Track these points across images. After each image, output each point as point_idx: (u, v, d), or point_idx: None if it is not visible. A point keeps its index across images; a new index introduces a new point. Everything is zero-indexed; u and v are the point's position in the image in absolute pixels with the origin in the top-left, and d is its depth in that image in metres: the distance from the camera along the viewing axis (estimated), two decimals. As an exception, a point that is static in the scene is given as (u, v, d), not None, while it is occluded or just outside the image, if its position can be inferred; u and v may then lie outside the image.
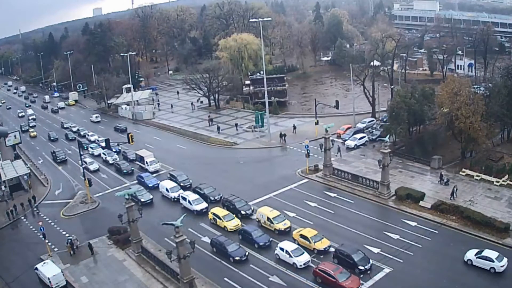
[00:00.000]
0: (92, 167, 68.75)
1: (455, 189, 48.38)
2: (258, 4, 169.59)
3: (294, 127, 77.57)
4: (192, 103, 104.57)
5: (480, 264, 36.91)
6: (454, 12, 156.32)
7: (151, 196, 55.63)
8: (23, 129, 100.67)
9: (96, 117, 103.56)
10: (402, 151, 63.06)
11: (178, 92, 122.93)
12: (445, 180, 51.42)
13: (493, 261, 36.32)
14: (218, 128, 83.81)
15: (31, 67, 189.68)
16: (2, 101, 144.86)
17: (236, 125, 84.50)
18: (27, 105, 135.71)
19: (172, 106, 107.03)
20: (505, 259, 36.55)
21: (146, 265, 42.05)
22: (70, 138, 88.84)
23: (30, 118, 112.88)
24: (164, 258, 38.95)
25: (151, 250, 43.05)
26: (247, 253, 41.55)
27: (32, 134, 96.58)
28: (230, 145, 75.15)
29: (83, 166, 63.92)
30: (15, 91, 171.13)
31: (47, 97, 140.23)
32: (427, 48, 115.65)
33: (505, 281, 35.74)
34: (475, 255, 37.40)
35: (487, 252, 37.21)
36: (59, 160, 75.05)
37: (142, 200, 54.47)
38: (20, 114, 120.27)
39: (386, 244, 41.43)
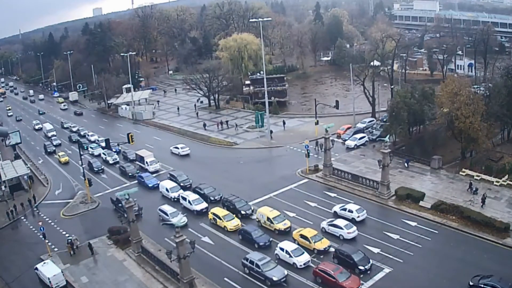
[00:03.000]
0: (174, 220, 43.32)
1: (485, 197, 46.73)
2: (258, 4, 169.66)
3: (284, 123, 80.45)
4: (195, 105, 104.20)
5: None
6: (454, 12, 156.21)
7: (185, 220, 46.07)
8: (48, 149, 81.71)
9: (64, 105, 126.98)
10: (402, 151, 63.06)
11: (175, 90, 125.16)
12: (474, 189, 49.20)
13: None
14: (205, 125, 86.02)
15: (31, 67, 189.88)
16: (8, 107, 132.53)
17: (227, 122, 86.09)
18: (40, 112, 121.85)
19: (178, 108, 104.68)
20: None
21: (146, 265, 42.04)
22: (74, 140, 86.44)
23: (50, 134, 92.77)
24: (164, 258, 38.94)
25: (151, 250, 43.03)
26: None
27: (62, 159, 74.47)
28: (230, 145, 75.16)
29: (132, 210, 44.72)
30: (2, 85, 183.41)
31: (31, 91, 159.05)
32: (427, 48, 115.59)
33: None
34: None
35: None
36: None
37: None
38: (36, 127, 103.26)
39: (386, 244, 41.43)
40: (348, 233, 42.50)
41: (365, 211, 46.48)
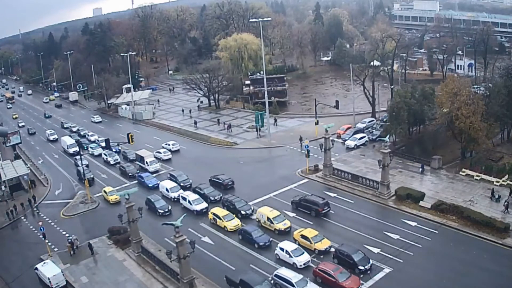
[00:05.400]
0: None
1: (508, 203, 45.25)
2: (258, 4, 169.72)
3: (275, 120, 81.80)
4: (198, 106, 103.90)
5: None
6: (454, 12, 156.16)
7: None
8: (85, 177, 60.65)
9: (46, 99, 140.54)
10: (402, 151, 63.05)
11: (173, 88, 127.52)
12: (497, 197, 47.23)
13: None
14: (195, 122, 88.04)
15: (31, 67, 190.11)
16: (14, 115, 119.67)
17: (218, 120, 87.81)
18: (46, 116, 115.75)
19: (183, 110, 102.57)
20: None
21: (146, 265, 42.04)
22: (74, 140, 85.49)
23: (72, 150, 76.90)
24: (164, 258, 38.96)
25: (151, 250, 43.04)
26: None
27: (111, 198, 55.80)
28: (230, 145, 75.15)
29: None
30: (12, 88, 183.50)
31: (21, 87, 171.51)
32: (427, 48, 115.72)
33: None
34: None
35: None
36: None
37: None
38: (51, 138, 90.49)
39: (386, 244, 41.40)
40: (164, 156, 69.75)
41: (178, 144, 74.86)
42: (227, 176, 57.37)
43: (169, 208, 51.90)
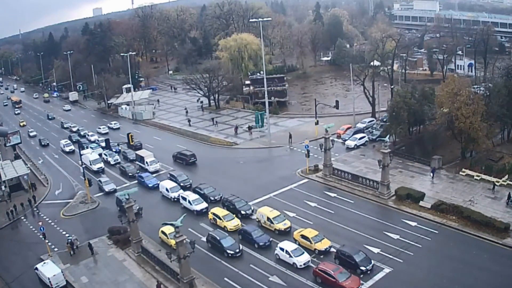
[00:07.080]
0: None
1: None
2: (258, 4, 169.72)
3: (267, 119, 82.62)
4: (201, 106, 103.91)
5: None
6: (454, 12, 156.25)
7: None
8: (124, 219, 44.51)
9: (35, 95, 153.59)
10: (402, 151, 63.05)
11: (174, 88, 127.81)
12: None
13: None
14: (189, 121, 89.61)
15: (31, 67, 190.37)
16: (22, 122, 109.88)
17: (213, 119, 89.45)
18: (49, 117, 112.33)
19: (186, 110, 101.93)
20: None
21: (146, 265, 42.04)
22: (74, 140, 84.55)
23: (96, 167, 67.31)
24: (164, 258, 38.97)
25: (151, 250, 43.04)
26: None
27: (172, 242, 40.71)
28: (230, 145, 75.15)
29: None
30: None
31: (15, 85, 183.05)
32: (427, 48, 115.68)
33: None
34: None
35: None
36: None
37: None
38: (67, 149, 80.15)
39: (386, 244, 41.42)
40: (102, 131, 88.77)
41: (118, 124, 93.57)
42: (139, 141, 76.27)
43: (240, 248, 41.96)
